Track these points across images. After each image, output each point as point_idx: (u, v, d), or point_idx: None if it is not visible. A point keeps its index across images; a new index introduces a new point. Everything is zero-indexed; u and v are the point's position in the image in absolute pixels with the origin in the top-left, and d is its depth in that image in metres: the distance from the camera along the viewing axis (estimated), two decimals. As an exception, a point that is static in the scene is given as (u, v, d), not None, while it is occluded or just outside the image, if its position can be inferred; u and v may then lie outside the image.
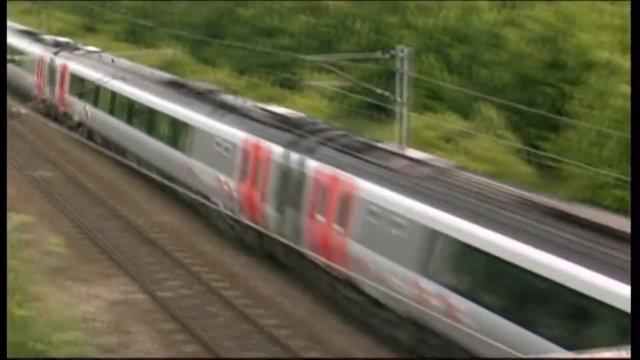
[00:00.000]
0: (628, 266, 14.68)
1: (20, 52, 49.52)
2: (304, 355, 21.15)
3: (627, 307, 13.90)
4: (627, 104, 29.21)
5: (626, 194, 29.04)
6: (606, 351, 3.03)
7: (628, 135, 29.36)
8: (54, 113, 44.99)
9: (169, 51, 47.18)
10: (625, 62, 30.98)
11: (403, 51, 26.07)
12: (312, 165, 23.48)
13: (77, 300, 23.73)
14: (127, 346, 21.61)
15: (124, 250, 28.29)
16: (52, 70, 45.32)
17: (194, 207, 29.01)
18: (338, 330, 22.82)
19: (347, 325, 22.98)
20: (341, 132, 25.71)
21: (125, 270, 26.44)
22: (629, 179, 28.18)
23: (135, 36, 65.51)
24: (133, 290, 25.07)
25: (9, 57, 46.92)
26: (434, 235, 18.98)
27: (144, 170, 28.55)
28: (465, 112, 36.37)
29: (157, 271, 26.69)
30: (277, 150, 25.07)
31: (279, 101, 43.37)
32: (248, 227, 25.61)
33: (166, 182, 26.51)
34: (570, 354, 3.07)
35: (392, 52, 26.31)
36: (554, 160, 31.18)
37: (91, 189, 35.14)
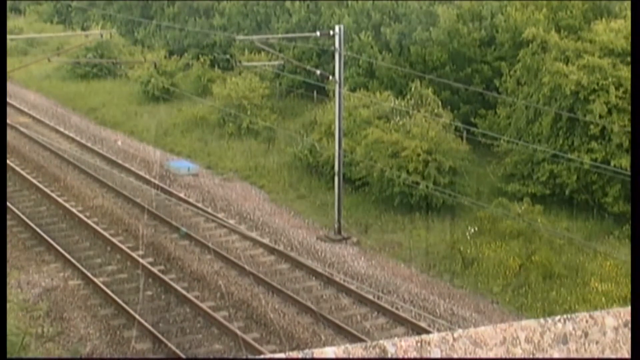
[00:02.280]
0: None
1: None
2: (244, 336, 21.10)
3: None
4: (557, 80, 29.58)
5: (554, 167, 29.50)
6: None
7: (560, 111, 29.77)
8: None
9: (97, 32, 45.21)
10: (556, 40, 31.30)
11: (340, 30, 25.96)
12: None
13: (13, 287, 23.31)
14: (63, 333, 21.36)
15: (60, 235, 27.86)
16: None
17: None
18: (278, 311, 22.79)
19: (287, 306, 22.97)
20: None
21: (62, 255, 26.05)
22: (562, 154, 28.67)
23: (61, 17, 64.24)
24: (69, 276, 24.75)
25: None
26: None
27: None
28: (400, 90, 36.41)
29: (93, 256, 26.38)
30: None
31: (214, 82, 43.00)
32: None
33: None
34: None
35: (332, 32, 26.22)
36: (490, 137, 31.42)
37: (23, 174, 34.46)
